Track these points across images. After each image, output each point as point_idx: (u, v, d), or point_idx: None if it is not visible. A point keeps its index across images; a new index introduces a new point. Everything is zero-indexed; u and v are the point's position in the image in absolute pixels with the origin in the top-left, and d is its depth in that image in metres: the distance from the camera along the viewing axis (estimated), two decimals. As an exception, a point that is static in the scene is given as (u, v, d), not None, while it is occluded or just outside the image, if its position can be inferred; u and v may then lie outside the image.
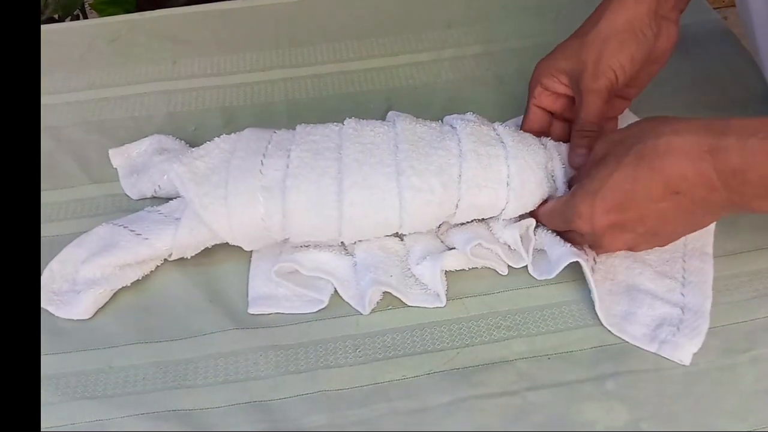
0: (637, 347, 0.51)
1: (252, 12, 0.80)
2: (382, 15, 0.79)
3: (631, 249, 0.53)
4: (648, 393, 0.48)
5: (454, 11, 0.78)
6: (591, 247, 0.54)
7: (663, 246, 0.53)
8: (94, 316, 0.54)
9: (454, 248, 0.55)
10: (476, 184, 0.53)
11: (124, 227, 0.56)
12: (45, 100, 0.70)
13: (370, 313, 0.53)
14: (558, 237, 0.54)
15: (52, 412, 0.49)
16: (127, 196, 0.61)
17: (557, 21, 0.76)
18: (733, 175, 0.45)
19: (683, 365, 0.50)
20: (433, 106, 0.66)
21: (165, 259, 0.56)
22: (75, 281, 0.54)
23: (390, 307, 0.53)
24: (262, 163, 0.54)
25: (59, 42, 0.76)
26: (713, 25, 0.76)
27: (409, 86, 0.71)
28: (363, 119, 0.57)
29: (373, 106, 0.68)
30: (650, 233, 0.50)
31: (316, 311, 0.53)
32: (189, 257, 0.56)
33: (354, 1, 0.80)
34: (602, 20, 0.57)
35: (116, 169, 0.63)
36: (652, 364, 0.50)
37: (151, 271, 0.56)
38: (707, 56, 0.72)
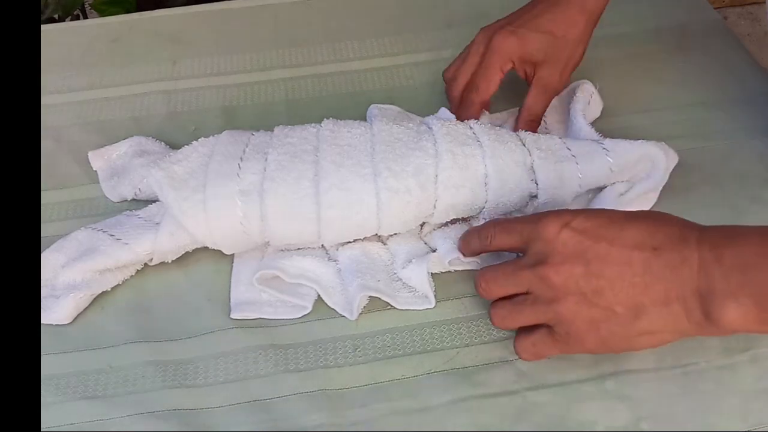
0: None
1: (252, 12, 0.80)
2: (382, 15, 0.79)
3: None
4: (648, 393, 0.48)
5: (454, 11, 0.78)
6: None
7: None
8: (93, 316, 0.54)
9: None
10: (453, 185, 0.53)
11: (104, 232, 0.55)
12: (45, 100, 0.70)
13: (370, 312, 0.53)
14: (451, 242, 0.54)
15: (52, 412, 0.49)
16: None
17: (557, 21, 0.76)
18: None
19: (683, 365, 0.49)
20: (433, 106, 0.66)
21: (145, 264, 0.56)
22: (54, 286, 0.54)
23: (388, 307, 0.53)
24: (239, 167, 0.54)
25: (59, 42, 0.77)
26: (713, 25, 0.76)
27: (409, 86, 0.71)
28: (341, 120, 0.57)
29: (373, 106, 0.68)
30: None
31: (314, 312, 0.53)
32: (170, 261, 0.56)
33: (354, 1, 0.80)
34: (574, 27, 0.61)
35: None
36: (652, 364, 0.50)
37: (151, 271, 0.56)
38: (707, 56, 0.72)
